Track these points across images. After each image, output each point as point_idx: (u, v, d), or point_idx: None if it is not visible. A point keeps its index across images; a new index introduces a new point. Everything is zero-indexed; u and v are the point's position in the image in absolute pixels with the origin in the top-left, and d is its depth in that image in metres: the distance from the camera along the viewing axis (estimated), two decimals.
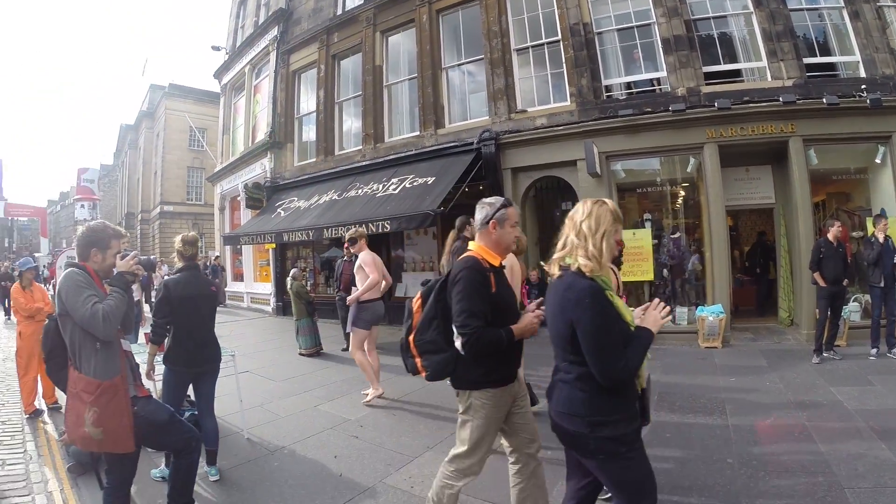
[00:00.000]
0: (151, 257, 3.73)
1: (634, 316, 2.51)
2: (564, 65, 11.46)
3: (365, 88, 14.82)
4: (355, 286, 7.32)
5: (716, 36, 10.69)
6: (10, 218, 60.60)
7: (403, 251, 14.32)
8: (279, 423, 6.29)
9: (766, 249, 12.41)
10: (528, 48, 12.20)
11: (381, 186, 12.76)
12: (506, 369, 3.13)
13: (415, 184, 11.91)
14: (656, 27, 10.69)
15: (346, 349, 8.94)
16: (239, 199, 19.86)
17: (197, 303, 4.68)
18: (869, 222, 9.24)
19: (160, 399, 4.43)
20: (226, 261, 22.11)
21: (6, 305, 19.03)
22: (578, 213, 2.52)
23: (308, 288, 11.70)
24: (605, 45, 11.33)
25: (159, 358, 4.72)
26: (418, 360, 3.17)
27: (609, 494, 2.71)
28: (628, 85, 11.26)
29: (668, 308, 2.55)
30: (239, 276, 21.24)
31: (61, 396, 7.01)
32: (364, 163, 14.39)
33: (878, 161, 9.79)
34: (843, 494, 3.88)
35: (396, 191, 12.13)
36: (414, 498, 4.22)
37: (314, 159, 16.56)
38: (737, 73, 10.54)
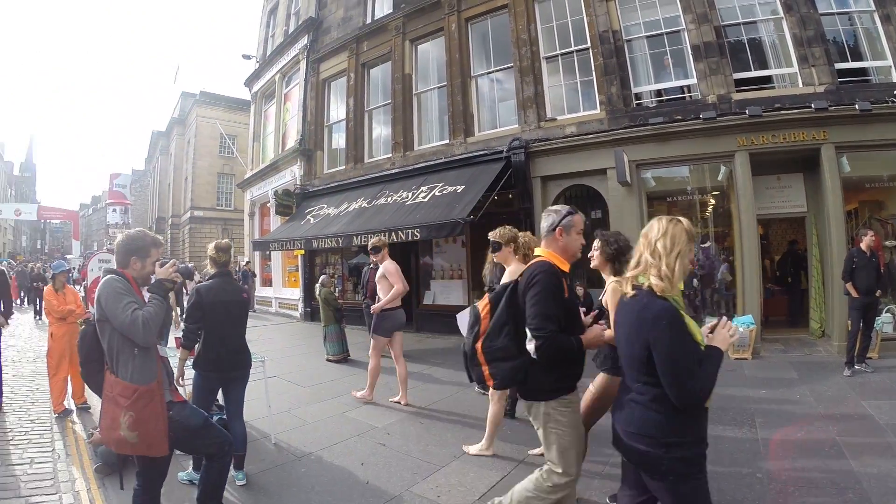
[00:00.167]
0: (189, 265, 3.79)
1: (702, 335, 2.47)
2: (594, 72, 11.49)
3: (394, 96, 14.98)
4: (377, 295, 7.45)
5: (746, 42, 10.60)
6: (43, 221, 62.16)
7: (432, 259, 14.34)
8: (306, 428, 6.34)
9: (798, 259, 12.19)
10: (557, 56, 12.23)
11: (410, 194, 12.83)
12: (575, 376, 3.13)
13: (444, 192, 11.97)
14: (686, 34, 10.65)
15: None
16: (269, 205, 20.11)
17: (228, 309, 4.72)
18: None
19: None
20: (255, 266, 22.31)
21: (38, 306, 19.50)
22: (653, 232, 2.50)
23: (336, 294, 11.83)
24: (635, 53, 11.31)
25: (189, 362, 4.81)
26: (486, 369, 3.09)
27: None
28: (658, 92, 11.19)
29: (735, 326, 2.50)
30: (267, 282, 21.46)
31: (90, 397, 7.20)
32: (393, 170, 14.51)
33: None
34: None
35: (426, 199, 12.18)
36: None
37: (344, 167, 16.73)
38: (767, 79, 10.42)
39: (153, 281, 3.40)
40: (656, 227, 2.50)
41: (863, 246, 7.95)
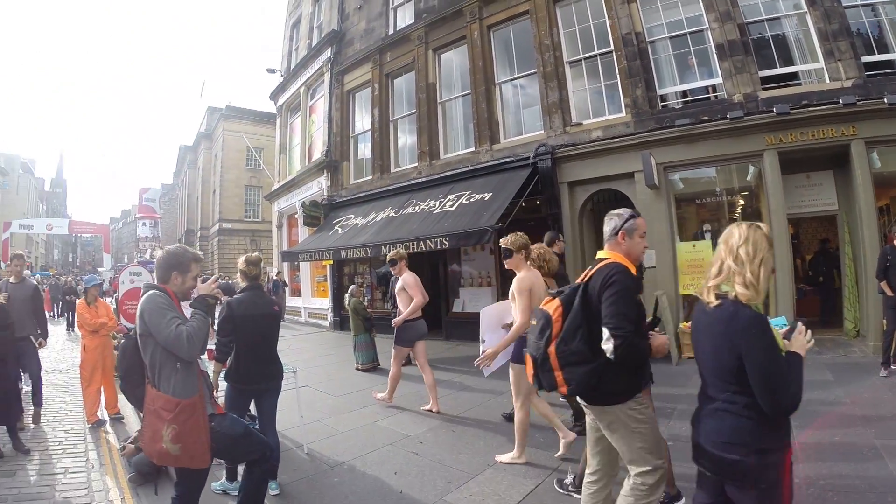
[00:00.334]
0: (230, 282, 3.88)
1: None
2: (618, 75, 11.46)
3: (419, 106, 15.12)
4: (395, 306, 7.54)
5: (770, 39, 10.46)
6: (74, 235, 63.57)
7: (460, 266, 14.35)
8: (338, 438, 6.34)
9: (830, 257, 11.96)
10: (580, 60, 12.22)
11: (437, 203, 12.90)
12: (646, 376, 3.17)
13: (471, 200, 12.02)
14: (709, 33, 10.57)
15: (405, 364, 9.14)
16: (296, 216, 20.40)
17: (259, 322, 4.74)
18: None
19: None
20: (284, 276, 22.60)
21: (70, 318, 19.96)
22: (734, 238, 2.45)
23: (365, 304, 11.92)
24: (659, 54, 11.27)
25: (222, 375, 4.87)
26: (559, 374, 2.99)
27: None
28: (683, 93, 11.11)
29: (810, 332, 2.47)
30: (297, 292, 21.64)
31: (123, 407, 7.38)
32: (420, 180, 14.61)
33: None
34: None
35: (453, 207, 12.23)
36: None
37: (370, 177, 16.89)
38: (793, 75, 10.27)
39: (195, 296, 3.47)
40: (737, 233, 2.46)
41: None
